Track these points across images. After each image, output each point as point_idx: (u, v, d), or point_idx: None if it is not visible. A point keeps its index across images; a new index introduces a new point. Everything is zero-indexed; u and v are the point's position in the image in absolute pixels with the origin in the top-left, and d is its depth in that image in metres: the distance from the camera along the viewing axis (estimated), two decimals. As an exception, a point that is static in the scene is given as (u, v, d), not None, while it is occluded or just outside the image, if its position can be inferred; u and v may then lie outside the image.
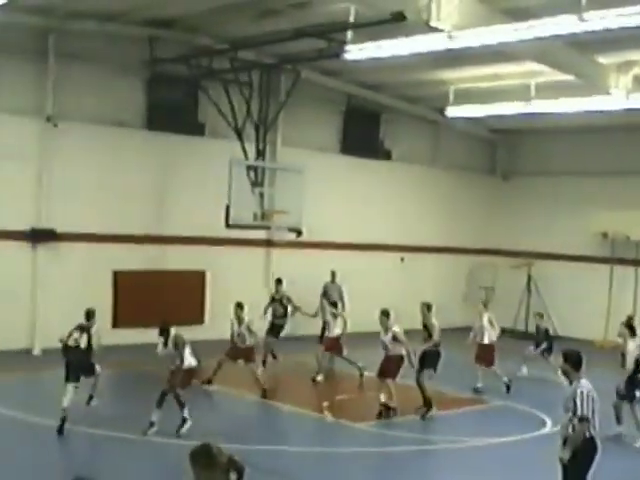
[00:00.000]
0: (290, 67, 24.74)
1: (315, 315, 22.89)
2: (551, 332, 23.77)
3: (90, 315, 16.18)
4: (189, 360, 15.61)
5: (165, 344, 15.71)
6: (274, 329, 22.24)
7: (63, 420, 14.60)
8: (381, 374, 17.29)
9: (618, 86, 22.82)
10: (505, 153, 34.99)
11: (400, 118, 31.22)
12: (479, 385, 20.25)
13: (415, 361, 17.27)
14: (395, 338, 17.13)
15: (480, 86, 26.66)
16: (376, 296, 27.33)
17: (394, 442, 15.23)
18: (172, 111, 25.42)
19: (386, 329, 17.34)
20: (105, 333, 22.49)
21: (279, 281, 23.13)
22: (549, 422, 17.06)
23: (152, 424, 14.84)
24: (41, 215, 22.91)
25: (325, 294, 24.94)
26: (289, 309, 22.55)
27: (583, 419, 9.69)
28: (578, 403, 9.73)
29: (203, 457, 5.53)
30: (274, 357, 22.25)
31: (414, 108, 31.03)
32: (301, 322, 24.28)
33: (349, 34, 20.41)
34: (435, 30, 18.14)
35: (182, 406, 15.08)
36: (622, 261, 29.91)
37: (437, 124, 32.13)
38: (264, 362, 21.25)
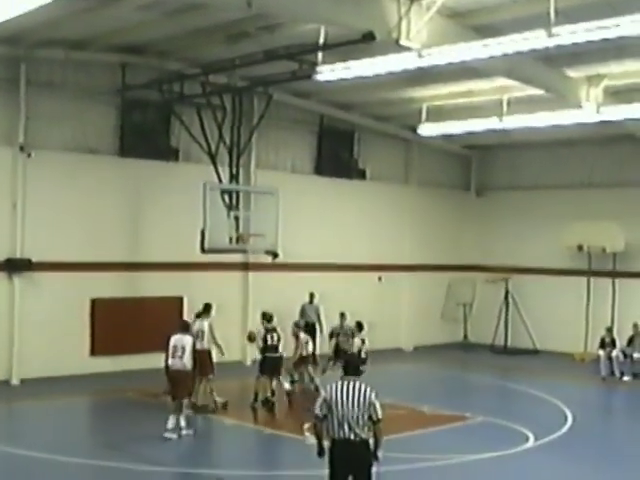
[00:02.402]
0: (262, 90, 24.75)
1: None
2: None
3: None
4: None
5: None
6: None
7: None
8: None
9: (589, 99, 22.97)
10: (478, 168, 35.11)
11: (373, 137, 31.29)
12: None
13: None
14: None
15: (452, 103, 26.78)
16: (355, 316, 27.36)
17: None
18: (145, 137, 25.36)
19: None
20: (83, 361, 22.51)
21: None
22: (531, 437, 17.06)
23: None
24: (16, 245, 22.74)
25: (303, 314, 25.16)
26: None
27: None
28: None
29: None
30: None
31: (387, 126, 31.13)
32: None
33: (320, 55, 20.47)
34: (405, 49, 18.21)
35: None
36: (599, 273, 30.00)
37: (410, 142, 32.22)
38: None
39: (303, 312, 25.67)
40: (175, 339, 17.07)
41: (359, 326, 22.31)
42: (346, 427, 9.59)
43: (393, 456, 13.81)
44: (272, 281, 27.17)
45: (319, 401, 9.81)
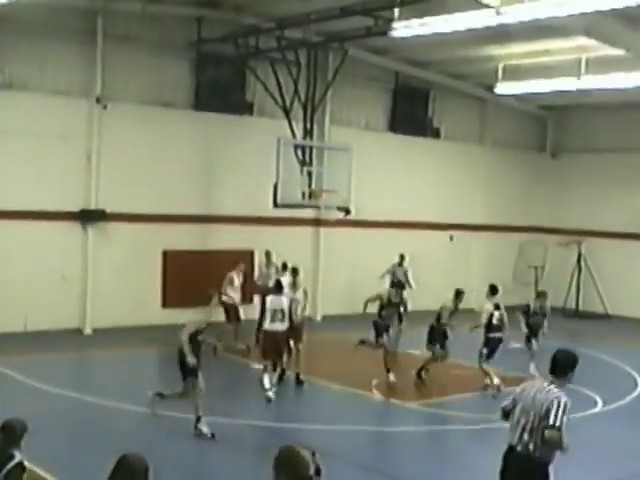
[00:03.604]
0: (337, 45, 24.59)
1: None
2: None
3: None
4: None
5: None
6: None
7: None
8: None
9: (670, 60, 22.45)
10: (554, 130, 34.61)
11: (449, 95, 31.00)
12: None
13: None
14: None
15: (529, 62, 26.36)
16: (426, 274, 27.33)
17: (446, 421, 15.19)
18: (220, 91, 25.46)
19: None
20: (155, 312, 22.80)
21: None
22: (600, 402, 16.92)
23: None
24: (90, 196, 23.09)
25: (393, 274, 25.20)
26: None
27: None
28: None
29: (290, 463, 5.06)
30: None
31: (462, 85, 30.78)
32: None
33: (396, 11, 20.27)
34: (483, 6, 17.96)
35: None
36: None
37: (486, 101, 31.85)
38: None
39: (393, 273, 25.50)
40: (272, 301, 16.76)
41: (492, 289, 18.86)
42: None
43: (459, 415, 13.88)
44: (343, 237, 27.22)
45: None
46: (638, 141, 31.07)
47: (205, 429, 13.41)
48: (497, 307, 18.08)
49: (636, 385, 18.81)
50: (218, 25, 24.31)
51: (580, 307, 31.15)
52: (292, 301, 17.36)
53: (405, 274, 25.79)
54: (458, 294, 18.80)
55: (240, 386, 17.92)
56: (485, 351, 17.60)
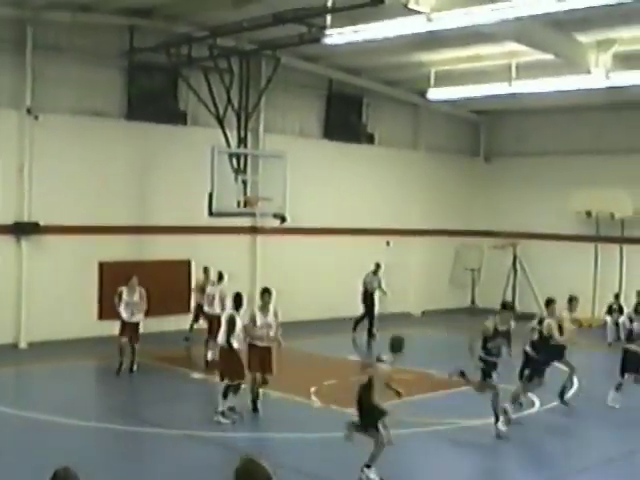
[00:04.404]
0: (270, 53, 24.61)
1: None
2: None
3: None
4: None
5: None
6: None
7: None
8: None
9: (598, 65, 22.81)
10: (487, 134, 35.00)
11: (382, 101, 31.18)
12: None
13: None
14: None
15: (461, 67, 26.64)
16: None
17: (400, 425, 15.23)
18: (153, 100, 25.31)
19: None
20: (91, 324, 22.56)
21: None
22: (537, 401, 17.11)
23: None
24: (23, 208, 22.79)
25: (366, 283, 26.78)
26: None
27: None
28: None
29: (251, 476, 5.10)
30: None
31: (395, 91, 31.00)
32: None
33: (328, 18, 20.32)
34: (414, 12, 18.08)
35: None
36: (606, 239, 29.97)
37: (419, 107, 32.11)
38: None
39: (367, 281, 26.83)
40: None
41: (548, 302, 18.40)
42: None
43: (404, 420, 13.91)
44: (280, 245, 27.21)
45: None
46: (569, 144, 31.55)
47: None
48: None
49: (572, 384, 19.02)
50: (150, 34, 24.15)
51: (517, 308, 31.44)
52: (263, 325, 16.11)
53: (379, 282, 27.06)
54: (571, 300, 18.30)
55: (178, 395, 17.82)
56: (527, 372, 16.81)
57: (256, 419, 15.90)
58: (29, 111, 22.61)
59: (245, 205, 23.08)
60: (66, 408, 15.52)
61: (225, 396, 15.34)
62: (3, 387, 18.68)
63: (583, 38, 22.34)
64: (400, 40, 20.93)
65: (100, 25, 23.61)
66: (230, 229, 25.87)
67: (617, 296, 26.73)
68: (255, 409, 16.04)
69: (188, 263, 25.57)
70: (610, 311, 26.06)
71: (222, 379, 15.52)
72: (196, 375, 19.70)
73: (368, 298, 26.65)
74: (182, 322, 24.06)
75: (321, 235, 28.59)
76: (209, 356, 20.40)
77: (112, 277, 24.03)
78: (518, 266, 31.86)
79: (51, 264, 23.22)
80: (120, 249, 24.40)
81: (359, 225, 30.09)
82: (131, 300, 19.59)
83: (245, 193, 23.16)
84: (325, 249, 28.40)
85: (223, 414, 15.23)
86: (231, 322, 15.64)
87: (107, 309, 23.95)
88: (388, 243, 31.46)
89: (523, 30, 20.42)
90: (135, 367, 19.29)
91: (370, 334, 26.09)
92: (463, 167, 34.23)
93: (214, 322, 19.29)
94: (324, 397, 17.32)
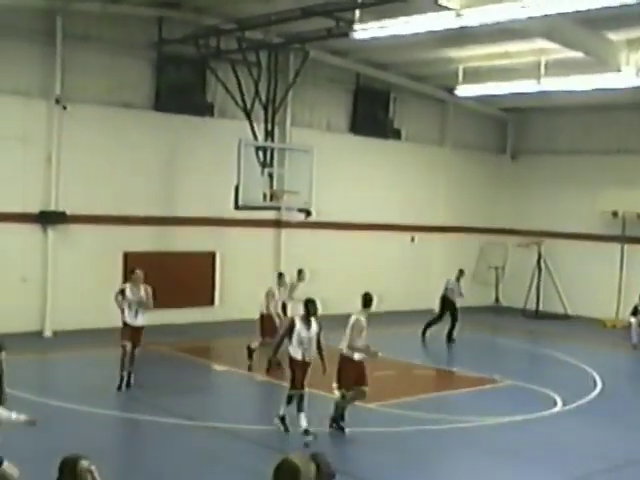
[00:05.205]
0: (298, 47, 24.60)
1: None
2: None
3: None
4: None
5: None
6: None
7: None
8: None
9: (628, 63, 22.66)
10: (514, 132, 34.84)
11: (410, 97, 31.10)
12: None
13: None
14: None
15: (489, 64, 26.50)
16: (387, 276, 27.41)
17: (403, 422, 15.21)
18: (180, 92, 25.32)
19: None
20: (115, 314, 22.64)
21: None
22: (559, 401, 17.05)
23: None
24: (51, 197, 22.89)
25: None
26: None
27: None
28: None
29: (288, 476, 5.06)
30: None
31: (423, 87, 30.90)
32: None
33: (357, 13, 20.30)
34: (444, 8, 18.04)
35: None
36: (633, 239, 29.78)
37: (446, 103, 32.00)
38: None
39: (448, 288, 25.53)
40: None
41: None
42: None
43: (422, 416, 13.95)
44: (304, 239, 27.21)
45: None
46: (596, 143, 31.36)
47: None
48: None
49: (595, 385, 18.96)
50: (179, 26, 24.20)
51: (540, 307, 31.37)
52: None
53: (460, 291, 25.65)
54: None
55: (200, 386, 17.89)
56: None
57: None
58: (58, 101, 22.72)
59: (271, 199, 23.10)
60: (88, 397, 15.59)
61: (301, 409, 13.82)
62: (27, 375, 18.75)
63: (614, 36, 22.19)
64: (429, 36, 20.85)
65: (129, 16, 23.68)
66: (256, 222, 25.90)
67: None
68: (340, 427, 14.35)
69: (213, 255, 25.63)
70: (635, 312, 25.89)
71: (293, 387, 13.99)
72: (218, 367, 19.76)
73: (448, 304, 25.03)
74: (207, 314, 24.12)
75: (345, 230, 28.58)
76: (254, 344, 19.45)
77: (137, 267, 24.16)
78: (543, 265, 31.72)
79: (77, 253, 23.32)
80: (145, 240, 24.48)
81: (384, 221, 30.04)
82: (135, 298, 16.97)
83: (271, 186, 23.18)
84: (349, 244, 28.37)
85: (283, 420, 13.97)
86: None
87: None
88: (413, 239, 31.41)
89: (553, 27, 20.34)
90: (132, 380, 16.83)
91: (450, 338, 24.41)
92: (489, 165, 34.10)
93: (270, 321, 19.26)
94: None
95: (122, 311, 17.02)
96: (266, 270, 25.82)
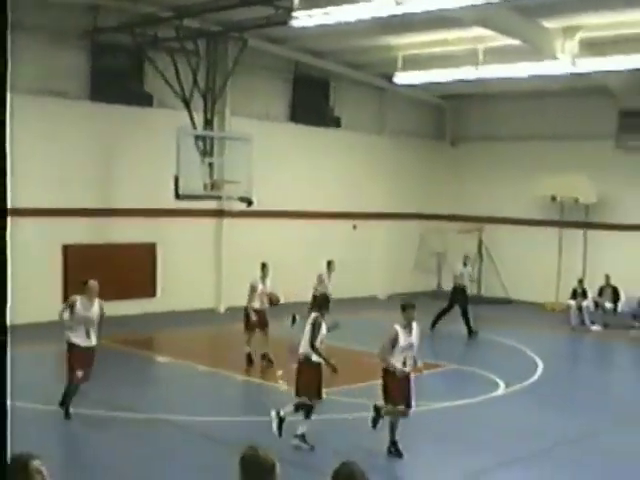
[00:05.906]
0: (237, 35, 24.48)
1: None
2: None
3: None
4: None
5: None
6: None
7: None
8: None
9: (564, 51, 22.91)
10: (453, 119, 35.05)
11: (349, 85, 31.12)
12: None
13: None
14: None
15: (428, 52, 26.60)
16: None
17: (352, 409, 15.23)
18: (117, 81, 24.93)
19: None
20: (54, 308, 22.32)
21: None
22: (502, 384, 17.21)
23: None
24: (-15, 190, 22.49)
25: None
26: None
27: None
28: None
29: (254, 465, 5.03)
30: None
31: (362, 75, 30.92)
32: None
33: (296, 0, 20.24)
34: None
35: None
36: (571, 224, 30.17)
37: (385, 91, 32.05)
38: None
39: (456, 275, 25.04)
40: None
41: None
42: None
43: (367, 403, 13.94)
44: (246, 228, 27.12)
45: None
46: (534, 129, 31.65)
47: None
48: None
49: (536, 367, 19.19)
50: (115, 13, 23.85)
51: (482, 293, 31.65)
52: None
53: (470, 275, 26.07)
54: None
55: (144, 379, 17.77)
56: None
57: (223, 403, 15.88)
58: (-10, 91, 22.30)
59: (212, 188, 23.02)
60: (26, 392, 15.34)
61: (307, 416, 13.05)
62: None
63: (549, 24, 22.41)
64: (368, 23, 20.87)
65: (63, 4, 23.31)
66: (197, 212, 25.76)
67: (581, 281, 26.93)
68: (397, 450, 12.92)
69: (153, 246, 25.44)
70: (574, 295, 26.26)
71: (299, 395, 13.06)
72: (161, 359, 19.65)
73: (458, 293, 24.42)
74: (148, 306, 23.96)
75: (288, 218, 28.56)
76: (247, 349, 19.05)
77: (76, 260, 23.92)
78: (483, 250, 32.00)
79: (14, 247, 22.73)
80: (85, 232, 24.20)
81: (325, 209, 30.06)
82: (87, 314, 14.41)
83: (211, 176, 23.10)
84: (292, 233, 28.36)
85: (304, 438, 12.90)
86: (317, 327, 13.00)
87: (72, 292, 23.75)
88: (354, 227, 31.49)
89: (489, 15, 20.48)
90: (72, 410, 14.09)
91: (470, 332, 23.93)
92: (429, 151, 34.28)
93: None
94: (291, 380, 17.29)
95: (69, 328, 14.34)
96: (208, 260, 25.72)
